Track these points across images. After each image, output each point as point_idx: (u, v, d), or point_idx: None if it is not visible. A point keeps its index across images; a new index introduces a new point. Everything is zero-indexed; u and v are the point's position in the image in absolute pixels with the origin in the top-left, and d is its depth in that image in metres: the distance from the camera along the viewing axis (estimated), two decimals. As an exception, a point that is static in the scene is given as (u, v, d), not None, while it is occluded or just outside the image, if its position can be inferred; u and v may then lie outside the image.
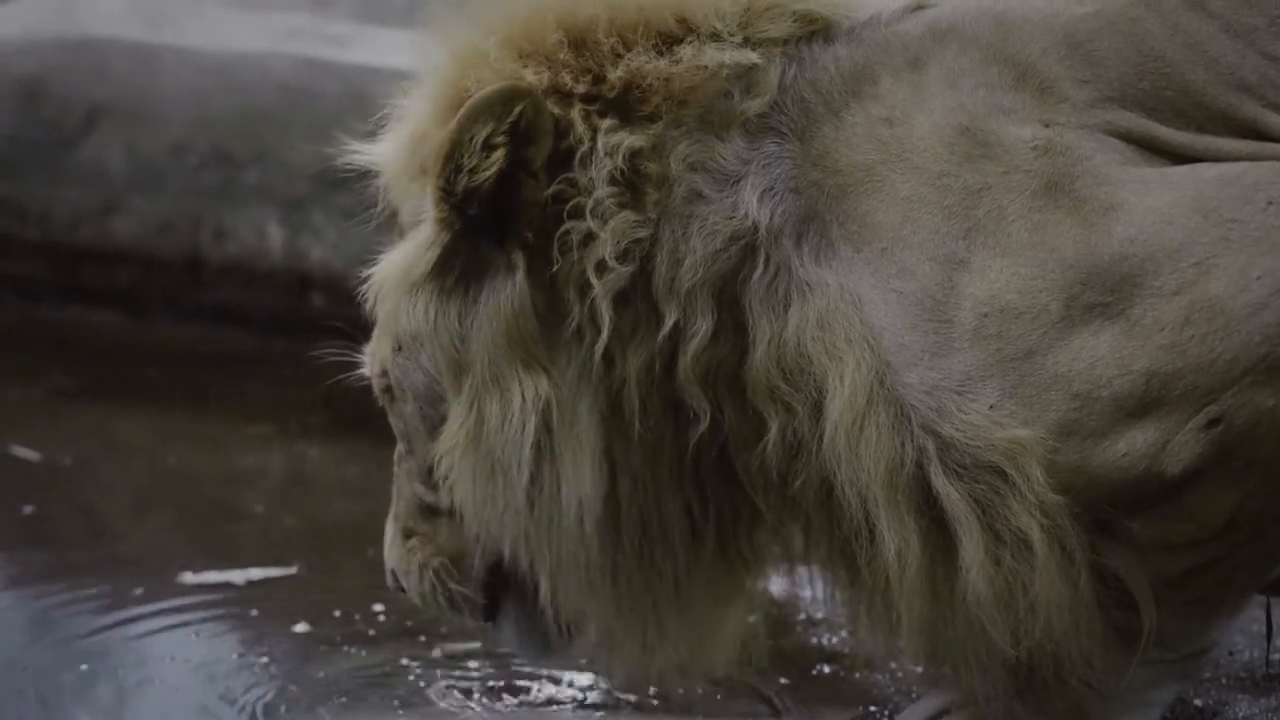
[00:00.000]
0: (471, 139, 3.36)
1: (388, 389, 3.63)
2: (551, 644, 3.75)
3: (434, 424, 3.56)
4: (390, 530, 3.76)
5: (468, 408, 3.46)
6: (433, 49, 3.54)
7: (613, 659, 3.76)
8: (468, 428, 3.46)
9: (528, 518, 3.46)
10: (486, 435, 3.44)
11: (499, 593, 3.72)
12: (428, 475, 3.64)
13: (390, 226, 3.67)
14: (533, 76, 3.40)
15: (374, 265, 3.60)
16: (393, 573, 3.76)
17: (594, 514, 3.44)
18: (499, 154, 3.36)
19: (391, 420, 3.69)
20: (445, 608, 3.74)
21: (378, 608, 4.37)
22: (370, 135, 3.65)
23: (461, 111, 3.36)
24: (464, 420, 3.46)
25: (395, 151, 3.59)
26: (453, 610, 3.74)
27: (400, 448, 3.72)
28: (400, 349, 3.57)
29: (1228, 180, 3.21)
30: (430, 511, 3.70)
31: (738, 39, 3.44)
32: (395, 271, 3.54)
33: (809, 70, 3.42)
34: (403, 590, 3.76)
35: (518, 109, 3.35)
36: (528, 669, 4.14)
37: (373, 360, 3.66)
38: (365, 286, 3.60)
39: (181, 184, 6.90)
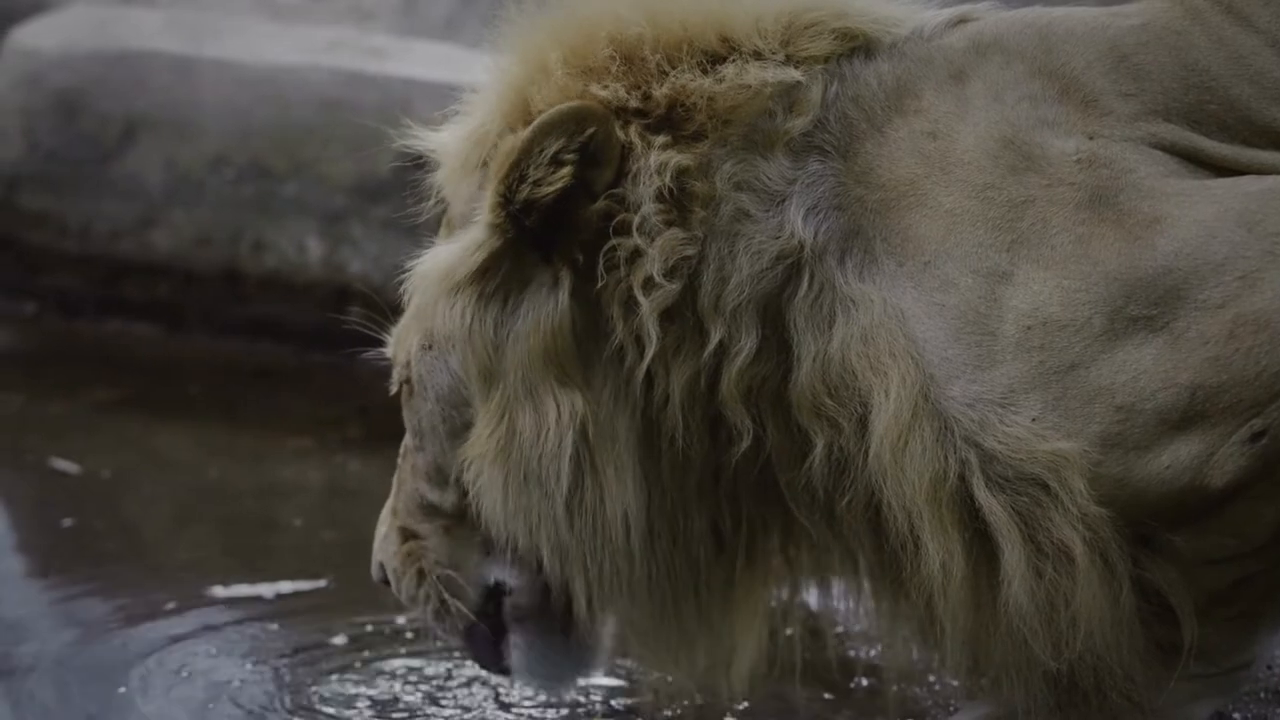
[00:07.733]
0: (541, 151, 3.37)
1: (408, 381, 3.64)
2: (565, 671, 3.78)
3: (454, 426, 3.58)
4: (385, 523, 3.76)
5: (498, 418, 3.47)
6: (501, 50, 3.56)
7: (648, 665, 3.80)
8: (498, 437, 3.47)
9: (567, 529, 3.47)
10: (519, 446, 3.45)
11: (503, 622, 3.72)
12: (435, 473, 3.65)
13: (438, 221, 3.68)
14: (600, 92, 3.41)
15: (419, 256, 3.60)
16: (381, 566, 3.77)
17: (639, 527, 3.45)
18: (566, 170, 3.37)
19: (405, 414, 3.69)
20: (430, 617, 3.74)
21: (400, 621, 4.37)
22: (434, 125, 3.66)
23: (536, 122, 3.38)
24: (494, 430, 3.47)
25: (455, 144, 3.60)
26: (436, 621, 3.73)
27: (408, 441, 3.71)
28: (430, 347, 3.57)
29: (1273, 194, 3.20)
30: (431, 510, 3.70)
31: (780, 57, 3.44)
32: (438, 267, 3.54)
33: (851, 87, 3.43)
34: (387, 583, 3.76)
35: (590, 130, 3.37)
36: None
37: (398, 347, 3.66)
38: (407, 278, 3.59)
39: (220, 197, 6.92)
